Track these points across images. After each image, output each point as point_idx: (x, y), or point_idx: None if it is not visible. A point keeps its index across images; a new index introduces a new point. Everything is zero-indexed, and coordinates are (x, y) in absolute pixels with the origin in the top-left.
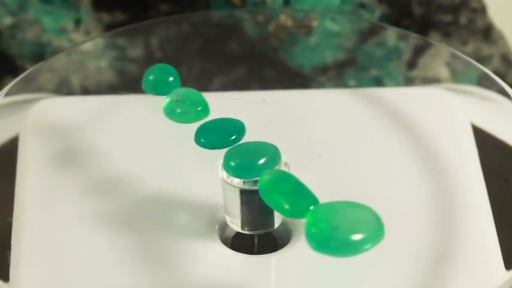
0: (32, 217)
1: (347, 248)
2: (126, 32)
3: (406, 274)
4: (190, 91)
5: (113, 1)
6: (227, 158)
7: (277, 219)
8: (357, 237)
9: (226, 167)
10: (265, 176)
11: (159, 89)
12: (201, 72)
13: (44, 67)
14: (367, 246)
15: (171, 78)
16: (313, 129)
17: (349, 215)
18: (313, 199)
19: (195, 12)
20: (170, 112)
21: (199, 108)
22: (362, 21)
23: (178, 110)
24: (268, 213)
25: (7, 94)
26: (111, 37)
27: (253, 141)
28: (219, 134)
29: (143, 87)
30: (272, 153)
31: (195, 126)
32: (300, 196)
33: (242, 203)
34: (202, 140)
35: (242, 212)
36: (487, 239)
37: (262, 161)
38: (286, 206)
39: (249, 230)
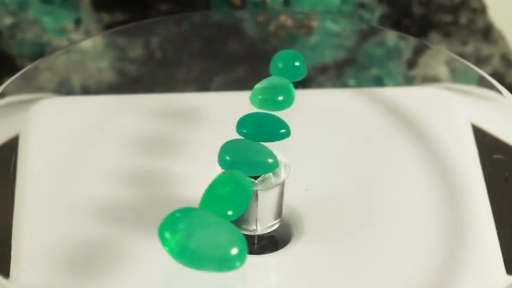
0: (32, 217)
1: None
2: (126, 31)
3: (406, 276)
4: (282, 80)
5: (113, 1)
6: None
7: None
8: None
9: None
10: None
11: (287, 75)
12: (201, 72)
13: (42, 66)
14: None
15: (297, 63)
16: (313, 129)
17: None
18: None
19: (195, 12)
20: (253, 97)
21: (280, 98)
22: (360, 23)
23: (260, 97)
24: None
25: (7, 94)
26: (111, 37)
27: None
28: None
29: (271, 71)
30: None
31: (195, 126)
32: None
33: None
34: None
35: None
36: (488, 240)
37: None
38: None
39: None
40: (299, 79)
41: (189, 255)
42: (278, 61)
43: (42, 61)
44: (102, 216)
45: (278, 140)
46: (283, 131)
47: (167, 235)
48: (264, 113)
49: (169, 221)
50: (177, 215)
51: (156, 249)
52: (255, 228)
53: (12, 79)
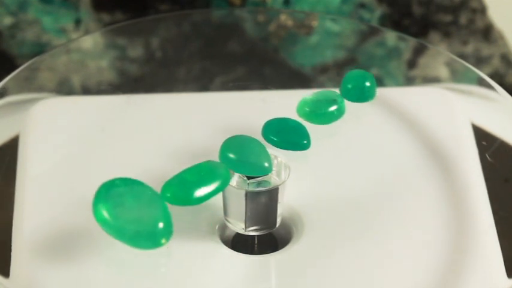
0: (32, 217)
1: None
2: (126, 30)
3: (406, 276)
4: (332, 93)
5: (112, 1)
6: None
7: (279, 218)
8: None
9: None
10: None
11: (356, 95)
12: (201, 72)
13: (42, 66)
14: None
15: (367, 84)
16: (313, 129)
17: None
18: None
19: (194, 10)
20: (299, 109)
21: (332, 109)
22: (360, 24)
23: (306, 109)
24: (272, 213)
25: (7, 94)
26: (111, 37)
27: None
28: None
29: (341, 93)
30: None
31: (195, 126)
32: None
33: (246, 205)
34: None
35: (246, 213)
36: (488, 241)
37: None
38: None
39: (251, 231)
40: (369, 100)
41: (113, 224)
42: (348, 82)
43: (39, 58)
44: None
45: (297, 150)
46: (305, 142)
47: (99, 202)
48: (291, 120)
49: (105, 187)
50: (117, 182)
51: (157, 249)
52: (243, 227)
53: (10, 77)
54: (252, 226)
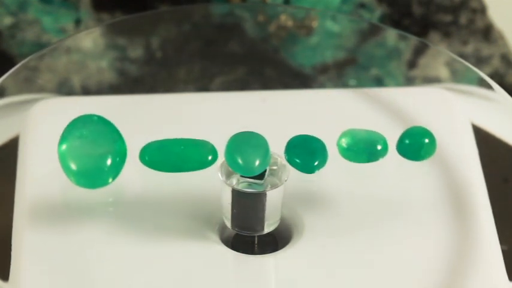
0: (32, 217)
1: None
2: (125, 28)
3: (406, 276)
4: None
5: (112, 1)
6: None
7: (268, 223)
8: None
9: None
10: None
11: (415, 153)
12: (201, 72)
13: (42, 66)
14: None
15: (426, 140)
16: (313, 129)
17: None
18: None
19: (194, 5)
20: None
21: (379, 148)
22: (362, 21)
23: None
24: (257, 218)
25: (7, 94)
26: (111, 37)
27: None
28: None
29: (397, 150)
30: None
31: (195, 126)
32: None
33: (233, 203)
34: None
35: (232, 211)
36: (488, 241)
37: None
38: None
39: (238, 230)
40: (428, 157)
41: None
42: (405, 137)
43: (37, 55)
44: (103, 216)
45: (306, 172)
46: (316, 163)
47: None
48: (315, 140)
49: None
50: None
51: (157, 249)
52: (260, 228)
53: (7, 75)
54: (237, 225)
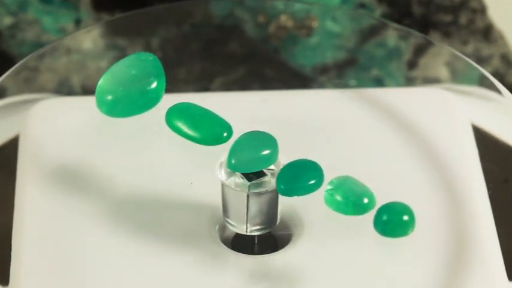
0: (32, 217)
1: None
2: (125, 28)
3: (405, 277)
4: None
5: (112, 1)
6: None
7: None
8: None
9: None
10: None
11: (393, 231)
12: (201, 72)
13: (42, 66)
14: None
15: (405, 218)
16: (313, 129)
17: None
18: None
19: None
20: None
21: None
22: (368, 17)
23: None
24: (272, 213)
25: (7, 94)
26: (111, 37)
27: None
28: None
29: (375, 227)
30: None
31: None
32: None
33: (248, 206)
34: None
35: (247, 214)
36: (488, 241)
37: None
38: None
39: (253, 231)
40: (404, 235)
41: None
42: (383, 213)
43: (36, 54)
44: (103, 216)
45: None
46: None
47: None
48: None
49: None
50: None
51: (157, 249)
52: (244, 228)
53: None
54: (254, 227)
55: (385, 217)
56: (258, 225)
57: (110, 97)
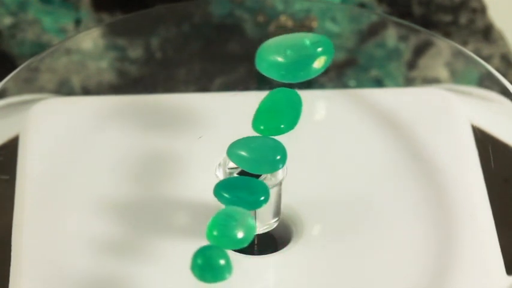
0: (32, 217)
1: None
2: (125, 29)
3: (405, 276)
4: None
5: (112, 1)
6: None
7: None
8: None
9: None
10: None
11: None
12: (201, 72)
13: (41, 65)
14: None
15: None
16: (313, 129)
17: None
18: None
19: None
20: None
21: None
22: (371, 14)
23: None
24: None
25: (7, 94)
26: (111, 38)
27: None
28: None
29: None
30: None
31: (195, 127)
32: None
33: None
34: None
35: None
36: (488, 240)
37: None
38: None
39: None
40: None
41: None
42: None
43: (37, 57)
44: (103, 216)
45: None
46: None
47: None
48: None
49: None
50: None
51: (157, 249)
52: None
53: (8, 78)
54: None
55: (199, 261)
56: (275, 217)
57: None
